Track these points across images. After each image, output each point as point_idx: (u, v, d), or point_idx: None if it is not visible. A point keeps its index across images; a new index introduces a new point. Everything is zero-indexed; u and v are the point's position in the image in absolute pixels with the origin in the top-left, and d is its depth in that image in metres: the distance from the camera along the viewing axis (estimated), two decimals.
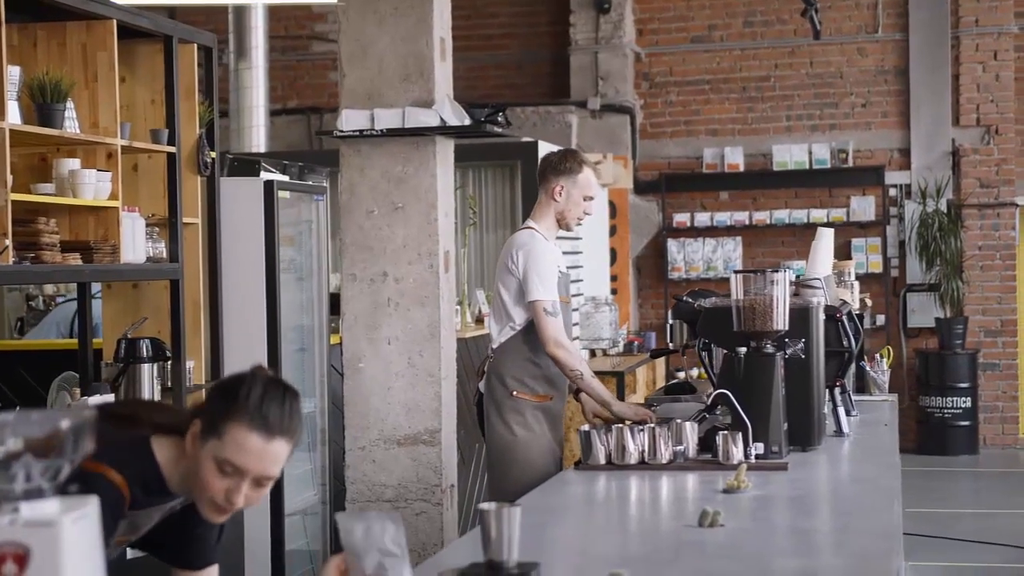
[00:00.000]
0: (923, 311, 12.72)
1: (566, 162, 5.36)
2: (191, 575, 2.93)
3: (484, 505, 2.79)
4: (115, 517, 2.61)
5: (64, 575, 1.72)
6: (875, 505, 3.67)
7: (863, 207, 12.75)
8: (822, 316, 4.77)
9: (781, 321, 4.46)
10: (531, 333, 5.26)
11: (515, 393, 5.25)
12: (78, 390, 5.44)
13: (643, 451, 4.32)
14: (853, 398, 5.77)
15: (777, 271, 4.49)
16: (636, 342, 10.99)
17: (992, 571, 8.05)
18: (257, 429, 2.57)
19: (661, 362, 11.36)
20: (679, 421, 4.43)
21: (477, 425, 5.59)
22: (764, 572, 2.95)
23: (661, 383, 11.33)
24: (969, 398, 12.39)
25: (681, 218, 13.06)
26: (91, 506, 1.79)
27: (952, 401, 12.36)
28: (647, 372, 10.33)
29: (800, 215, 12.80)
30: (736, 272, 4.54)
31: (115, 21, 5.15)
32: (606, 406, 5.17)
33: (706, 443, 4.42)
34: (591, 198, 5.39)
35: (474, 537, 2.90)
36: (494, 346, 5.37)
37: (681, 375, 12.60)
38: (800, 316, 4.60)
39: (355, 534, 2.56)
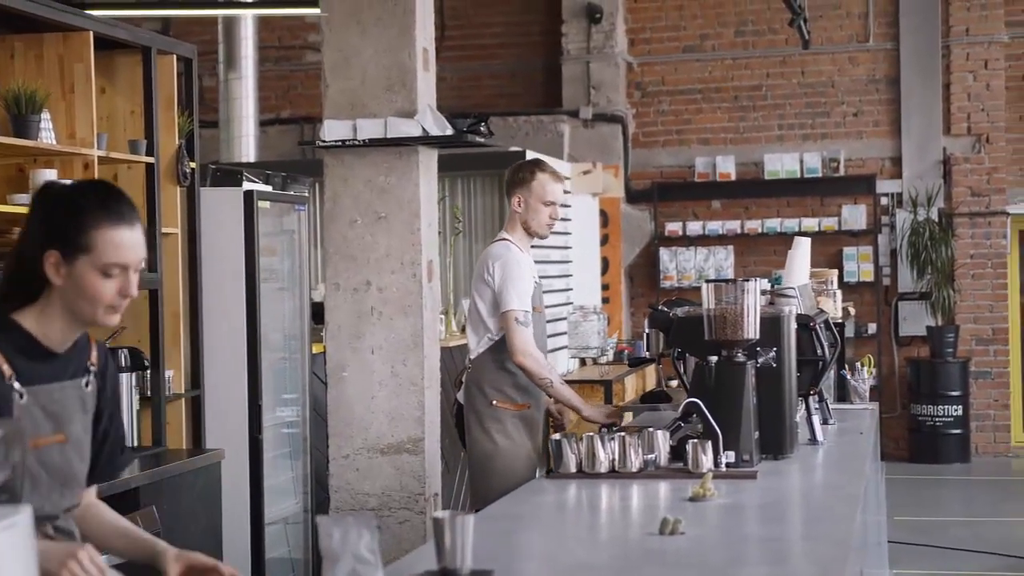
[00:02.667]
0: (914, 319, 12.72)
1: (519, 173, 5.52)
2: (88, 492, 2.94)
3: (438, 513, 2.82)
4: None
5: None
6: (837, 513, 3.69)
7: (855, 216, 12.76)
8: (794, 325, 4.78)
9: (752, 330, 4.47)
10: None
11: (495, 403, 5.34)
12: None
13: (613, 459, 4.33)
14: (833, 407, 5.78)
15: (748, 280, 4.51)
16: (627, 351, 11.00)
17: None
18: (121, 225, 2.71)
19: (651, 371, 11.37)
20: (651, 429, 4.45)
21: (458, 435, 5.63)
22: None
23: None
24: (961, 406, 12.39)
25: (673, 227, 13.08)
26: (22, 515, 1.81)
27: (944, 409, 12.36)
28: (636, 381, 10.34)
29: (792, 224, 12.81)
30: (707, 281, 4.56)
31: (91, 33, 5.18)
32: (577, 412, 5.25)
33: (679, 452, 4.44)
34: (551, 203, 5.47)
35: (431, 546, 2.91)
36: (472, 356, 5.47)
37: (673, 384, 12.60)
38: (772, 325, 4.61)
39: (332, 538, 2.61)
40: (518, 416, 5.32)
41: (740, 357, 4.49)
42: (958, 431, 12.39)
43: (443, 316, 8.03)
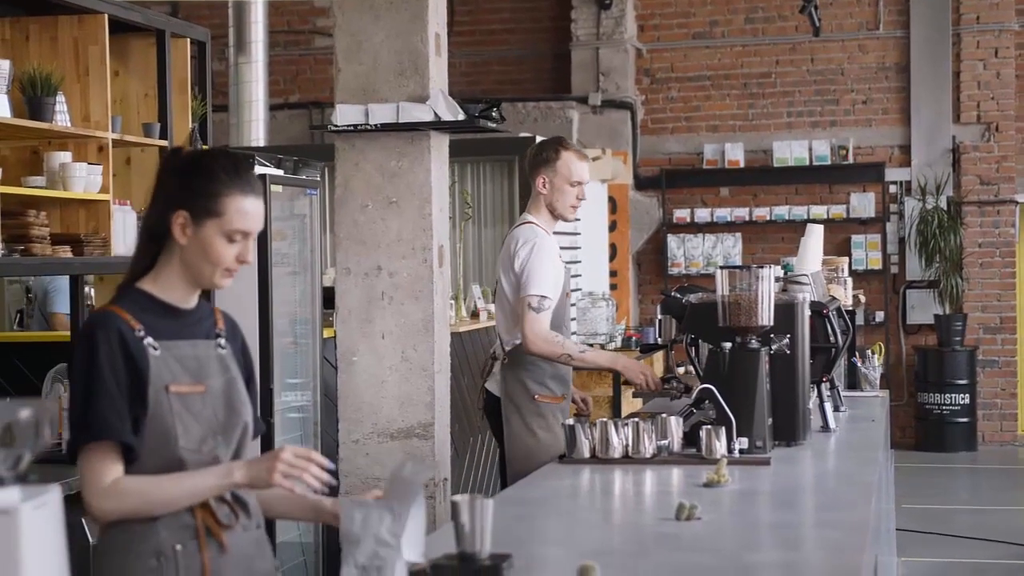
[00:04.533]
0: (923, 308, 12.73)
1: (543, 152, 5.32)
2: None
3: (457, 497, 2.82)
4: (119, 335, 2.75)
5: (23, 563, 1.74)
6: (851, 500, 3.69)
7: (863, 204, 12.76)
8: (807, 312, 4.78)
9: (766, 317, 4.47)
10: None
11: (537, 397, 5.19)
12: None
13: (627, 445, 4.34)
14: (844, 394, 5.78)
15: (763, 267, 4.50)
16: (635, 337, 10.99)
17: (985, 567, 8.07)
18: (250, 194, 2.85)
19: (660, 357, 11.37)
20: (664, 415, 4.45)
21: (490, 428, 5.49)
22: (735, 565, 2.97)
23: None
24: (968, 395, 12.39)
25: (681, 214, 13.08)
26: (52, 494, 1.82)
27: (951, 398, 12.37)
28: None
29: (800, 212, 12.81)
30: (722, 268, 4.55)
31: (107, 16, 5.18)
32: (613, 371, 5.10)
33: (692, 438, 4.44)
34: (578, 183, 5.28)
35: (448, 530, 2.92)
36: (507, 348, 5.27)
37: (680, 370, 12.62)
38: (785, 312, 4.61)
39: (355, 521, 2.63)
40: (558, 408, 5.19)
41: (754, 344, 4.49)
42: (965, 419, 12.39)
43: (452, 302, 8.03)
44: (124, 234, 5.25)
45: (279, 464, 2.74)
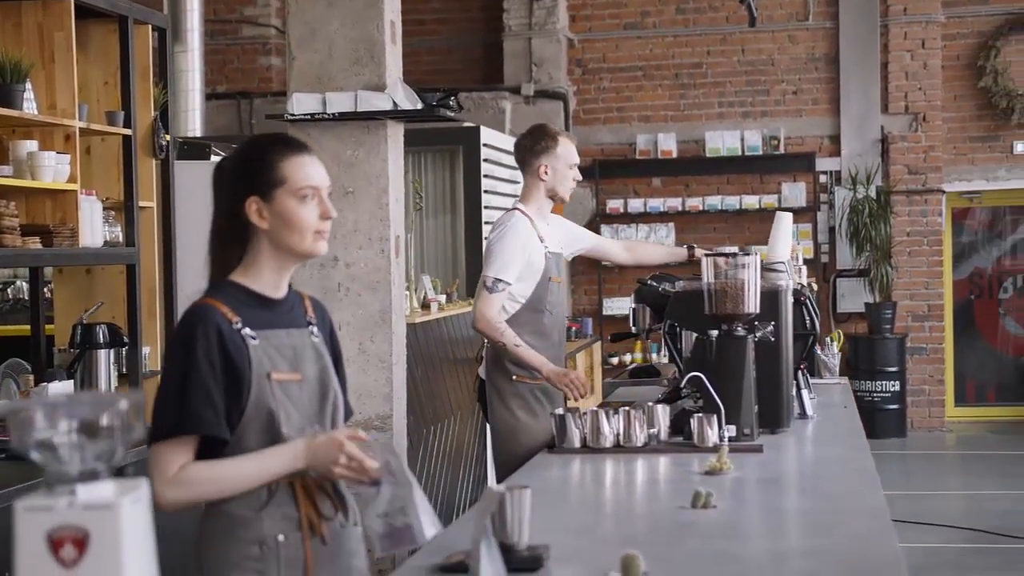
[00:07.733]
0: (853, 296, 12.87)
1: (541, 141, 5.41)
2: None
3: (496, 487, 2.78)
4: (217, 329, 2.76)
5: (123, 557, 1.69)
6: (858, 485, 3.71)
7: (794, 193, 12.87)
8: (791, 299, 4.80)
9: (752, 304, 4.47)
10: (525, 315, 5.24)
11: (515, 377, 5.28)
12: (31, 377, 5.33)
13: (618, 434, 4.32)
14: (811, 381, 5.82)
15: (748, 254, 4.51)
16: (573, 328, 11.01)
17: (937, 550, 8.16)
18: (299, 153, 2.88)
19: (598, 347, 11.41)
20: (651, 404, 4.44)
21: (481, 411, 5.55)
22: (767, 551, 2.97)
23: (598, 369, 11.38)
24: (897, 382, 12.56)
25: (614, 204, 13.10)
26: (144, 489, 1.76)
27: (881, 385, 12.52)
28: (585, 358, 10.36)
29: (732, 201, 12.88)
30: (707, 255, 4.55)
31: (72, 1, 5.05)
32: (537, 372, 5.19)
33: (675, 426, 4.43)
34: (575, 165, 5.44)
35: (467, 520, 2.87)
36: None
37: (614, 360, 12.66)
38: (770, 299, 4.62)
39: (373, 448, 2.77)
40: (539, 388, 5.26)
41: (740, 331, 4.49)
42: (895, 406, 12.56)
43: (406, 293, 7.97)
44: (91, 224, 5.13)
45: (341, 461, 2.73)
